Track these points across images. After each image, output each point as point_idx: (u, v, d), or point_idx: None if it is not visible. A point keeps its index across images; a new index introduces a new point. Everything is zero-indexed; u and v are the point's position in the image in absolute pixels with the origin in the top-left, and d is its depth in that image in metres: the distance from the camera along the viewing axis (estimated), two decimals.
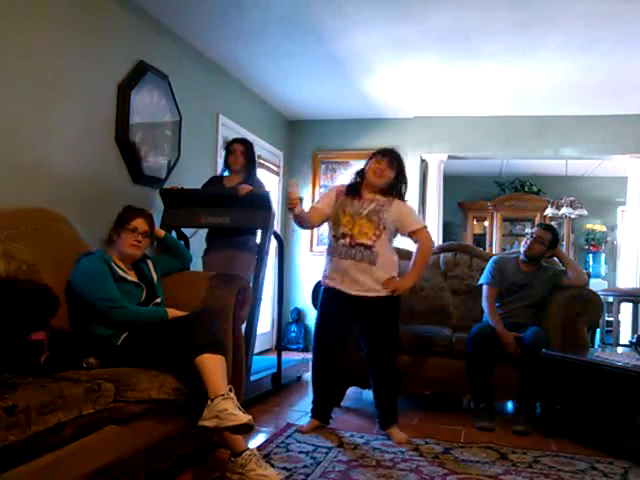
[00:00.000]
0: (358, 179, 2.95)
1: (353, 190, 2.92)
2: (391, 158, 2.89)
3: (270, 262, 3.97)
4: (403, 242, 3.10)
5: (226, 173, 3.77)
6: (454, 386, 3.37)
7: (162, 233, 2.82)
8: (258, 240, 3.58)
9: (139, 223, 2.48)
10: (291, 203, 2.70)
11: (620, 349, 4.24)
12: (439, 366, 3.40)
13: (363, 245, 2.80)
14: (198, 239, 3.67)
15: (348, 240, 2.82)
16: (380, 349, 2.91)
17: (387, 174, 2.87)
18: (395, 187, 2.92)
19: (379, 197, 2.89)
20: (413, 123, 5.72)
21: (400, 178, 2.93)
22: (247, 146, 3.69)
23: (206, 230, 3.71)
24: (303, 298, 5.74)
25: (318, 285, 3.44)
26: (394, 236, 2.95)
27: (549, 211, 7.22)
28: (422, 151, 5.76)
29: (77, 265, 2.36)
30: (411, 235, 2.92)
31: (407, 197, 2.99)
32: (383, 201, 2.87)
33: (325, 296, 2.98)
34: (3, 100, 2.57)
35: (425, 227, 2.97)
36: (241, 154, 3.63)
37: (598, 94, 4.85)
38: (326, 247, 2.99)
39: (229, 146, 3.73)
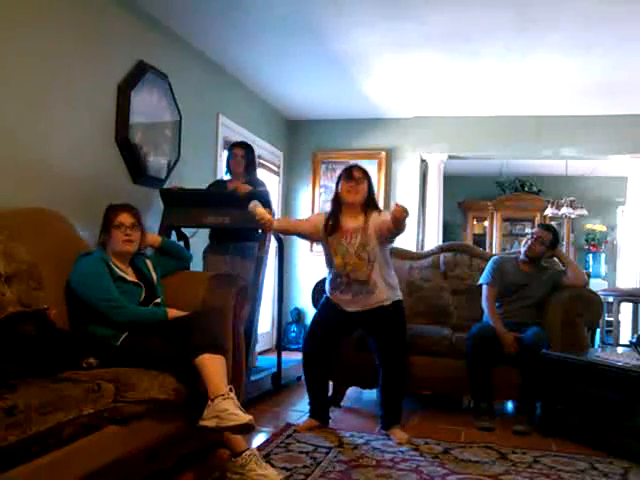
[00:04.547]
0: (336, 206, 2.92)
1: (333, 225, 2.88)
2: (355, 172, 2.88)
3: (270, 262, 3.97)
4: (403, 242, 3.10)
5: (228, 176, 3.82)
6: (454, 386, 3.37)
7: (158, 241, 2.79)
8: None
9: (123, 218, 2.47)
10: (265, 223, 2.77)
11: (620, 349, 4.25)
12: (439, 366, 3.39)
13: (359, 281, 2.83)
14: (199, 239, 3.67)
15: (345, 279, 2.86)
16: (391, 353, 2.92)
17: (361, 188, 2.88)
18: (371, 198, 2.92)
19: (360, 219, 2.86)
20: (413, 123, 5.71)
21: (371, 186, 2.93)
22: (247, 150, 3.77)
23: (206, 230, 3.73)
24: (303, 298, 5.74)
25: (318, 285, 3.46)
26: (388, 244, 2.94)
27: (549, 211, 7.22)
28: (422, 151, 5.76)
29: (76, 265, 2.36)
30: (384, 224, 2.78)
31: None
32: (364, 224, 2.84)
33: (325, 303, 3.02)
34: (3, 100, 2.57)
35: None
36: (242, 158, 3.72)
37: (598, 94, 4.85)
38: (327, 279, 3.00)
39: (230, 150, 3.78)
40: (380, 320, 2.90)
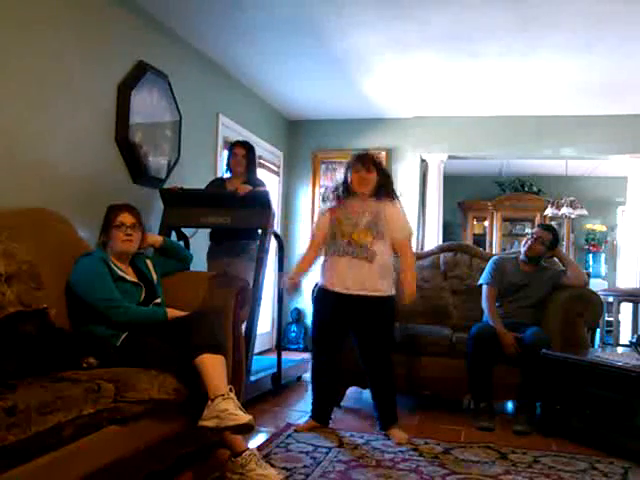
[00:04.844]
0: (343, 191, 2.93)
1: (341, 200, 2.92)
2: (367, 162, 2.89)
3: (270, 262, 3.97)
4: None
5: (227, 174, 3.82)
6: (454, 386, 3.36)
7: (159, 241, 2.77)
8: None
9: (124, 217, 2.47)
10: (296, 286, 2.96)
11: (620, 349, 4.25)
12: (439, 366, 3.39)
13: (360, 244, 2.82)
14: (199, 239, 3.67)
15: (347, 240, 2.84)
16: (375, 350, 2.90)
17: (370, 179, 2.89)
18: (383, 186, 2.93)
19: (372, 204, 2.88)
20: (413, 123, 5.72)
21: (383, 176, 2.94)
22: (248, 150, 3.76)
23: (206, 230, 3.73)
24: (303, 298, 5.74)
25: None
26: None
27: (549, 211, 7.22)
28: (422, 151, 5.76)
29: (76, 265, 2.36)
30: (394, 245, 2.91)
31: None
32: (376, 209, 2.87)
33: (320, 296, 3.00)
34: (3, 100, 2.57)
35: (409, 237, 2.98)
36: (243, 157, 3.72)
37: (598, 94, 4.85)
38: (325, 251, 2.99)
39: (231, 149, 3.78)
40: (370, 312, 2.86)
